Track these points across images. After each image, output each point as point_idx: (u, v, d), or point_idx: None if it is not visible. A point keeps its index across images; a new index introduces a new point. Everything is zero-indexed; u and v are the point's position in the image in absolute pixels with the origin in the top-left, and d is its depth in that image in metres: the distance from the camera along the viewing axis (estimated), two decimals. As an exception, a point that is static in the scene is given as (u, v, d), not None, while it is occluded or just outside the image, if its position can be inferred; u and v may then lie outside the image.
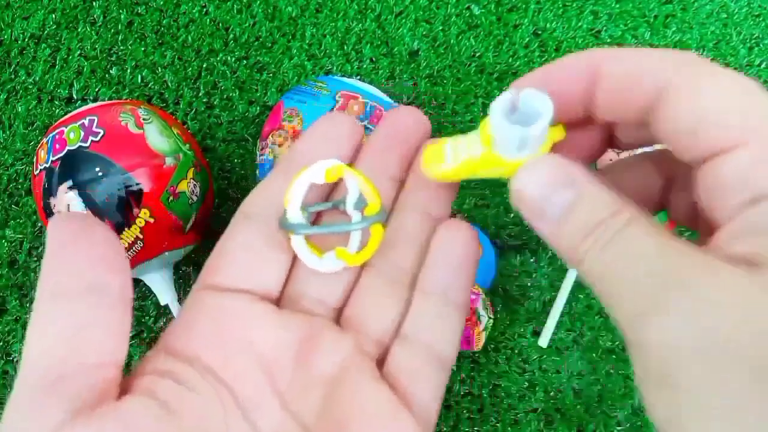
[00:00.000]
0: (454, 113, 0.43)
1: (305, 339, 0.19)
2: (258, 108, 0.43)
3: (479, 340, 0.36)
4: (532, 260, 0.40)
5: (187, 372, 0.18)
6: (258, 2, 0.45)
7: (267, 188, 0.21)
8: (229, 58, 0.44)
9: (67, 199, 0.32)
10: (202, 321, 0.19)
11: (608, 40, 0.45)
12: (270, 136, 0.35)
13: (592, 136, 0.19)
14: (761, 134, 0.14)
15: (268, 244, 0.20)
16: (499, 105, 0.17)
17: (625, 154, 0.20)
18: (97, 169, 0.32)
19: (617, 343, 0.39)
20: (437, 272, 0.20)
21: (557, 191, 0.16)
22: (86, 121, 0.33)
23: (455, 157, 0.19)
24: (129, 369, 0.17)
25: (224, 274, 0.20)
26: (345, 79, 0.36)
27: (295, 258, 0.21)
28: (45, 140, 0.34)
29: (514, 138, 0.17)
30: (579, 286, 0.39)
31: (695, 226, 0.18)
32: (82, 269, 0.17)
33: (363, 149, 0.22)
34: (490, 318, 0.36)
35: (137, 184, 0.32)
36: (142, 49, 0.44)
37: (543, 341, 0.38)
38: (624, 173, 0.20)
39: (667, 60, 0.16)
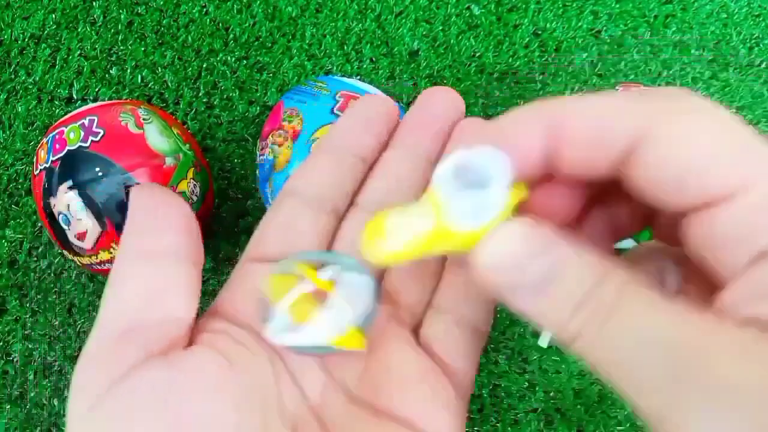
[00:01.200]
0: (454, 113, 0.43)
1: None
2: (258, 108, 0.43)
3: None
4: (532, 260, 0.40)
5: (241, 334, 0.18)
6: (258, 2, 0.45)
7: (309, 168, 0.22)
8: (229, 58, 0.44)
9: (67, 199, 0.32)
10: (249, 290, 0.20)
11: (608, 40, 0.45)
12: (270, 136, 0.35)
13: (573, 193, 0.16)
14: (760, 181, 0.13)
15: (310, 217, 0.21)
16: (445, 168, 0.15)
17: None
18: (97, 169, 0.32)
19: (617, 343, 0.39)
20: None
21: (531, 260, 0.14)
22: (86, 121, 0.33)
23: (398, 235, 0.15)
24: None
25: (269, 245, 0.21)
26: (345, 79, 0.36)
27: (335, 232, 0.21)
28: (45, 140, 0.34)
29: (467, 205, 0.14)
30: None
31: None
32: (161, 233, 0.18)
33: (398, 129, 0.22)
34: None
35: (137, 184, 0.32)
36: (142, 49, 0.44)
37: (543, 341, 0.38)
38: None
39: (640, 105, 0.14)
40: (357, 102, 0.23)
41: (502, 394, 0.38)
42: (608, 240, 0.17)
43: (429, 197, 0.15)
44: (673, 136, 0.13)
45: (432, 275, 0.21)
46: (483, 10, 0.45)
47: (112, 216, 0.32)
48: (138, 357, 0.16)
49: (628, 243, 0.18)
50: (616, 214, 0.17)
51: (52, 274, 0.40)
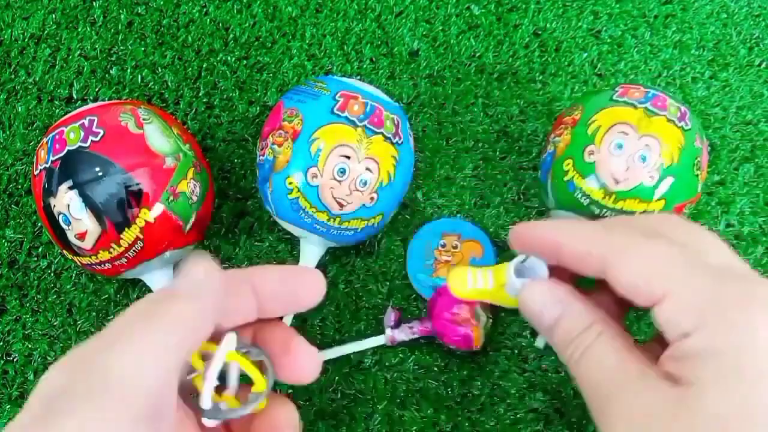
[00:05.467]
0: (454, 113, 0.43)
1: None
2: (258, 108, 0.43)
3: (479, 340, 0.36)
4: (531, 260, 0.40)
5: None
6: (258, 2, 0.45)
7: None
8: (229, 58, 0.44)
9: (67, 199, 0.32)
10: None
11: (608, 40, 0.45)
12: (270, 136, 0.35)
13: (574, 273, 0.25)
14: (677, 291, 0.21)
15: None
16: (514, 265, 0.26)
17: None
18: (97, 169, 0.32)
19: (617, 343, 0.39)
20: None
21: (548, 307, 0.25)
22: (86, 121, 0.33)
23: (474, 284, 0.27)
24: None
25: None
26: (345, 79, 0.36)
27: None
28: (45, 140, 0.34)
29: (518, 285, 0.25)
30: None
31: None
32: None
33: None
34: (489, 318, 0.36)
35: (137, 184, 0.32)
36: (142, 49, 0.44)
37: (540, 342, 0.38)
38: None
39: (608, 238, 0.23)
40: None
41: (503, 394, 0.38)
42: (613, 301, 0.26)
43: (498, 270, 0.27)
44: (622, 265, 0.22)
45: None
46: (483, 10, 0.45)
47: (112, 216, 0.32)
48: None
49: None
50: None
51: (52, 274, 0.40)
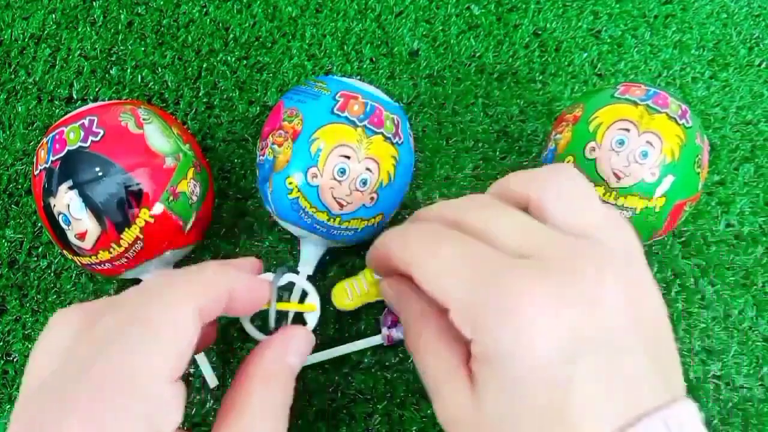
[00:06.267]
0: (454, 113, 0.43)
1: None
2: (258, 108, 0.43)
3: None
4: (532, 260, 0.40)
5: None
6: (258, 2, 0.45)
7: None
8: (229, 58, 0.44)
9: (67, 199, 0.32)
10: None
11: (608, 40, 0.45)
12: (270, 136, 0.35)
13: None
14: (456, 299, 0.23)
15: None
16: (368, 260, 0.30)
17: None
18: (97, 169, 0.32)
19: (617, 343, 0.38)
20: None
21: (395, 300, 0.28)
22: (86, 121, 0.33)
23: (353, 292, 0.36)
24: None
25: None
26: (345, 79, 0.36)
27: None
28: (45, 140, 0.34)
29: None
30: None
31: None
32: None
33: None
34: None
35: (137, 184, 0.32)
36: (142, 49, 0.44)
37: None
38: None
39: (407, 249, 0.25)
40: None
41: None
42: None
43: (366, 272, 0.36)
44: (418, 278, 0.24)
45: None
46: (483, 10, 0.45)
47: (112, 216, 0.32)
48: None
49: None
50: None
51: (52, 274, 0.40)
